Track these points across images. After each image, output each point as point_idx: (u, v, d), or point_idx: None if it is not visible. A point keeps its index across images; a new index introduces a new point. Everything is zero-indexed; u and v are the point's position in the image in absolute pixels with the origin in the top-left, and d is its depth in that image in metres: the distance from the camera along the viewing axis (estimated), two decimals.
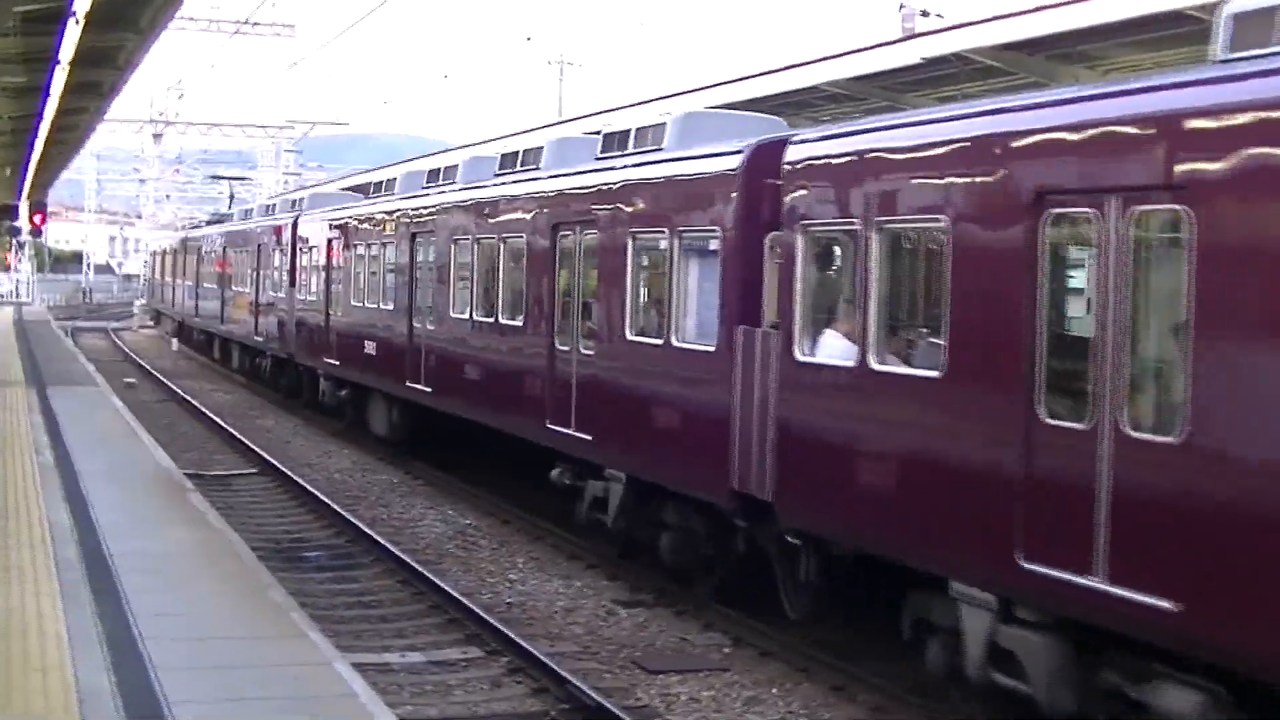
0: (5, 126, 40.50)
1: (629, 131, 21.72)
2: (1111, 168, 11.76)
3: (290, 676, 12.64)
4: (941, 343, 13.65)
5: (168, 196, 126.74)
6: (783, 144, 16.59)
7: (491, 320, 25.29)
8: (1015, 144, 12.93)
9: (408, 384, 29.41)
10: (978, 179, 13.25)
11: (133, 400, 40.33)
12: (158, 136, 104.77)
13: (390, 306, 31.42)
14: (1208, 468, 10.59)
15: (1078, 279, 12.76)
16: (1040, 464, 12.23)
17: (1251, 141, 10.50)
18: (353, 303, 34.55)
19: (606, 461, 20.48)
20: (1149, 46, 24.74)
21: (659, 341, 19.13)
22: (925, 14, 42.66)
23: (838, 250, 16.15)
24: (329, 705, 11.93)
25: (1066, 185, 12.23)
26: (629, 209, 20.08)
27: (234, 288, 52.34)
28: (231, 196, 76.16)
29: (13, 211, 69.86)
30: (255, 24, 73.35)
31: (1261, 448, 10.25)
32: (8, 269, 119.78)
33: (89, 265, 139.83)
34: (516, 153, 26.35)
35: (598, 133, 24.25)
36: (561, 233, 22.38)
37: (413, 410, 30.44)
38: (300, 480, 28.27)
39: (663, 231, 19.19)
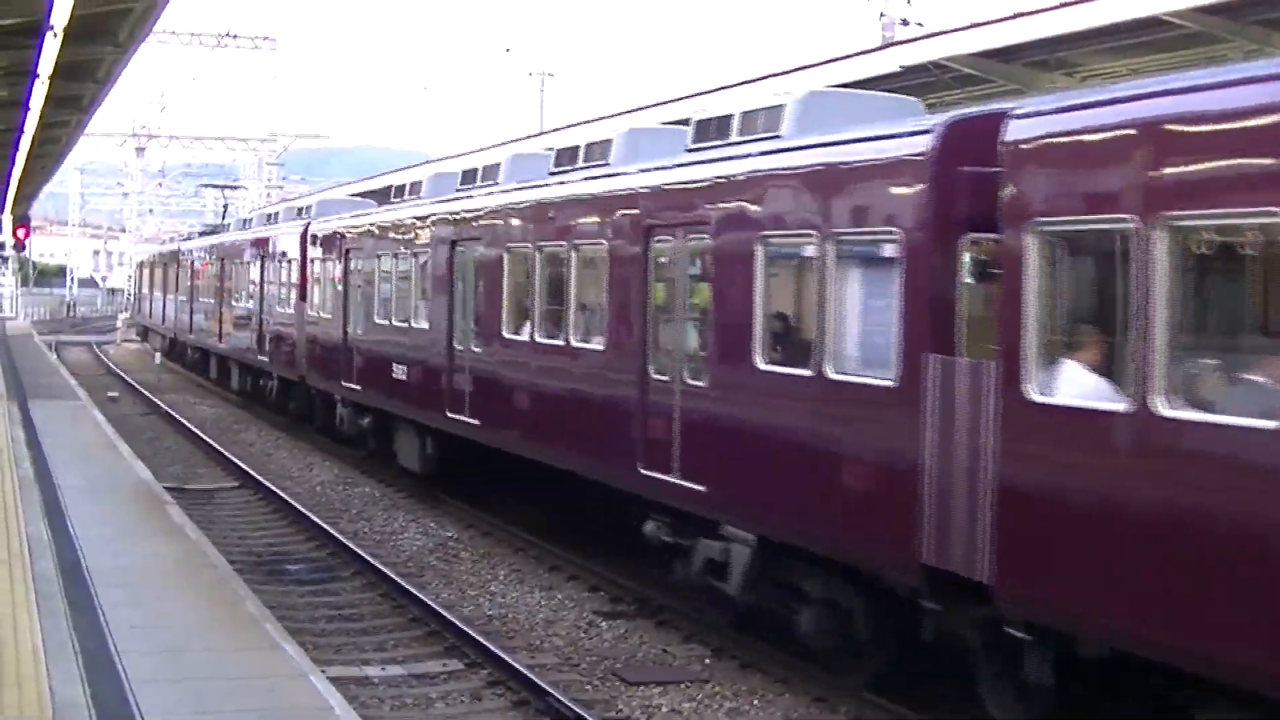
0: None
1: (730, 117, 18.39)
2: None
3: (265, 689, 12.60)
4: None
5: (151, 210, 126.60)
6: (995, 119, 13.11)
7: (559, 342, 21.53)
8: None
9: (447, 414, 25.59)
10: None
11: (115, 414, 40.27)
12: (141, 150, 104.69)
13: (424, 325, 27.58)
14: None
15: None
16: None
17: None
18: (377, 320, 30.72)
19: (726, 518, 16.93)
20: (1126, 53, 24.78)
21: (806, 373, 15.28)
22: (905, 22, 42.76)
23: (1089, 256, 12.81)
24: (304, 717, 11.90)
25: None
26: (756, 207, 16.46)
27: (233, 303, 48.21)
28: (225, 206, 72.34)
29: None
30: (236, 36, 73.34)
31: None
32: None
33: (73, 279, 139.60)
34: (575, 148, 23.00)
35: (678, 122, 22.81)
36: (657, 238, 18.71)
37: (451, 443, 26.67)
38: (282, 493, 28.20)
39: (809, 235, 15.44)
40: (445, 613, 18.76)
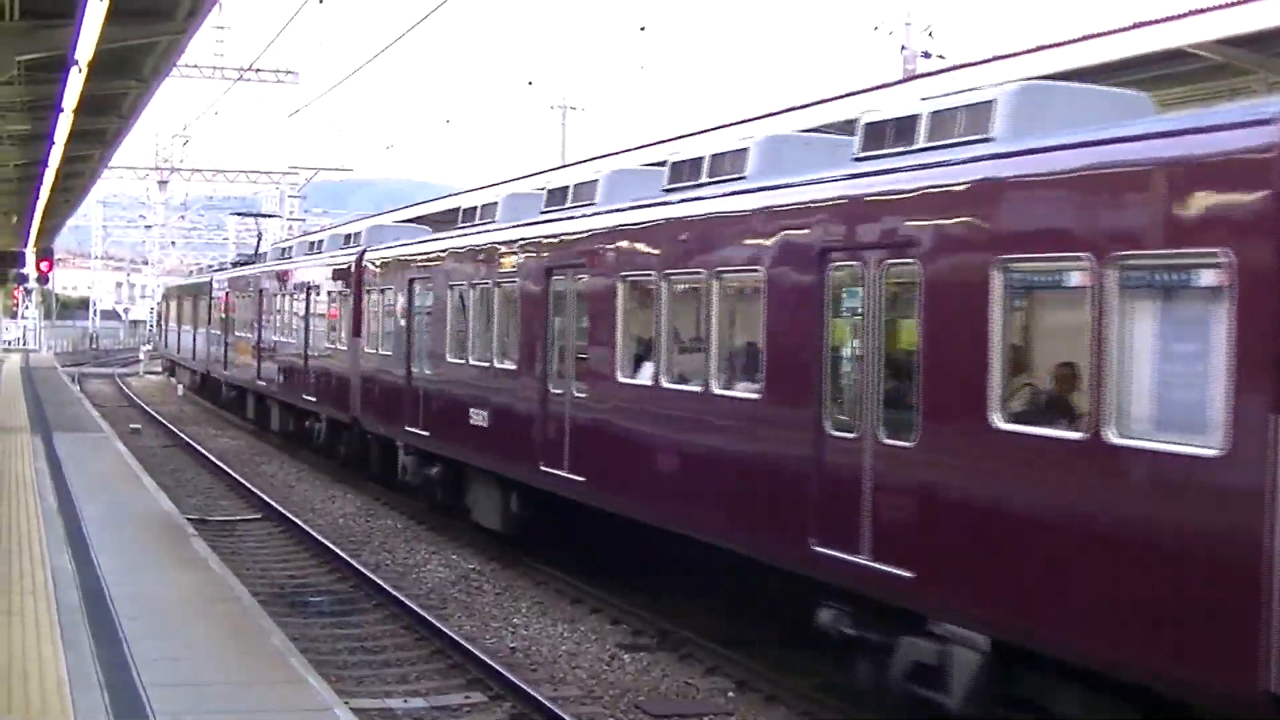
0: (11, 174, 40.70)
1: (916, 118, 15.34)
2: None
3: None
4: None
5: (173, 243, 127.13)
6: None
7: (695, 389, 18.20)
8: None
9: (540, 468, 22.47)
10: None
11: (137, 446, 40.38)
12: (163, 183, 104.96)
13: (509, 364, 24.35)
14: None
15: None
16: None
17: None
18: (449, 358, 27.32)
19: (942, 612, 13.83)
20: (1146, 86, 24.75)
21: (1072, 436, 12.27)
22: (927, 55, 42.78)
23: None
24: None
25: None
26: (991, 223, 13.43)
27: (274, 337, 44.81)
28: (259, 236, 68.30)
29: (19, 258, 70.03)
30: (259, 70, 73.52)
31: None
32: (15, 316, 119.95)
33: (95, 311, 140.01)
34: (697, 160, 19.62)
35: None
36: (835, 263, 15.38)
37: (542, 501, 23.47)
38: (304, 525, 28.23)
39: (1077, 258, 12.30)
40: (468, 645, 18.76)
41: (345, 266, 36.07)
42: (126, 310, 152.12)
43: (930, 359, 13.90)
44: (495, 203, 27.55)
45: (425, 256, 29.74)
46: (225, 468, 37.66)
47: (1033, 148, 13.26)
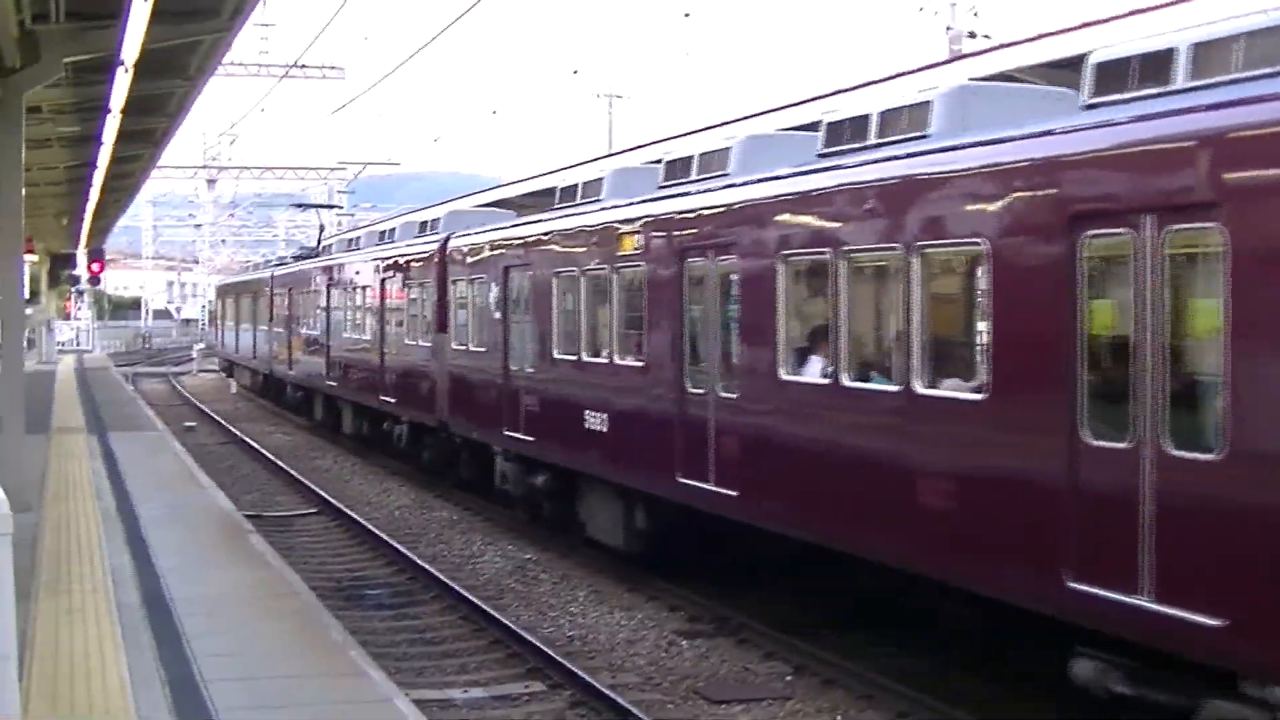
0: (60, 176, 40.90)
1: (1171, 52, 12.63)
2: None
3: (351, 714, 12.64)
4: None
5: (223, 241, 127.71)
6: None
7: (891, 388, 15.31)
8: None
9: (678, 479, 19.75)
10: None
11: (193, 444, 40.56)
12: (211, 182, 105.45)
13: (633, 361, 21.61)
14: None
15: None
16: None
17: None
18: (555, 354, 24.52)
19: (1270, 672, 10.99)
20: None
21: None
22: (972, 35, 42.57)
23: None
24: None
25: None
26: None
27: (343, 334, 42.12)
28: (321, 228, 63.57)
29: (71, 260, 70.46)
30: (304, 66, 73.71)
31: None
32: (68, 317, 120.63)
33: (148, 311, 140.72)
34: (861, 119, 17.04)
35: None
36: (1092, 231, 12.54)
37: (674, 515, 20.99)
38: (360, 519, 28.32)
39: None
40: (526, 634, 18.79)
41: (426, 256, 33.18)
42: (178, 309, 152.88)
43: (1244, 349, 11.01)
44: (600, 179, 25.00)
45: (524, 241, 26.54)
46: (281, 464, 37.79)
47: None
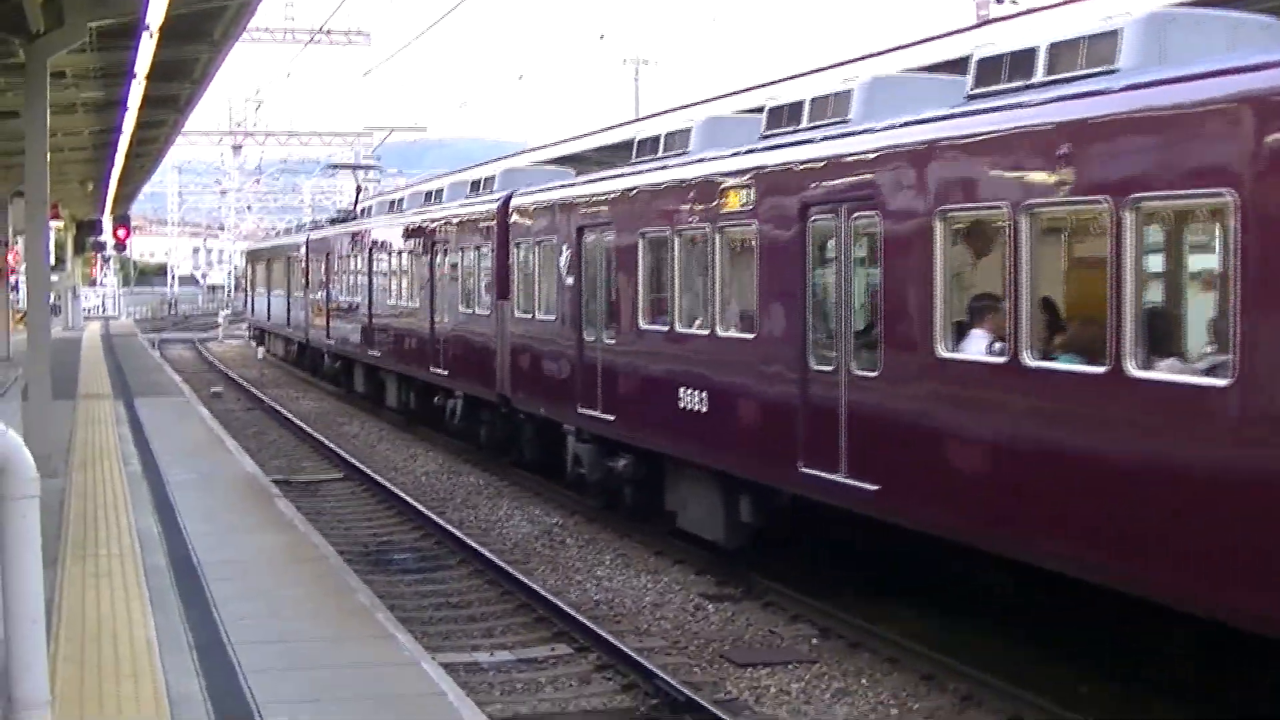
0: (86, 142, 40.99)
1: None
2: None
3: (378, 676, 12.66)
4: None
5: (249, 207, 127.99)
6: None
7: (1098, 369, 12.70)
8: None
9: (802, 469, 17.19)
10: None
11: (219, 409, 40.69)
12: (237, 148, 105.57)
13: (739, 333, 19.16)
14: None
15: None
16: None
17: None
18: (642, 324, 22.01)
19: None
20: None
21: None
22: (1000, 0, 42.41)
23: None
24: (417, 704, 11.95)
25: None
26: None
27: (388, 301, 39.70)
28: (358, 190, 60.20)
29: (97, 226, 70.64)
30: (330, 32, 73.68)
31: None
32: (94, 284, 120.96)
33: (174, 277, 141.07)
34: (1027, 53, 14.78)
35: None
36: None
37: (788, 506, 18.85)
38: (387, 484, 28.35)
39: None
40: (553, 598, 18.80)
41: (485, 216, 30.62)
42: (204, 275, 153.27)
43: None
44: (687, 129, 22.57)
45: (603, 198, 23.91)
46: (308, 429, 37.84)
47: None
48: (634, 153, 24.08)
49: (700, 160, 20.80)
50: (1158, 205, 12.47)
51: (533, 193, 28.12)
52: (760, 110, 20.62)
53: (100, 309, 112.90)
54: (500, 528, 24.86)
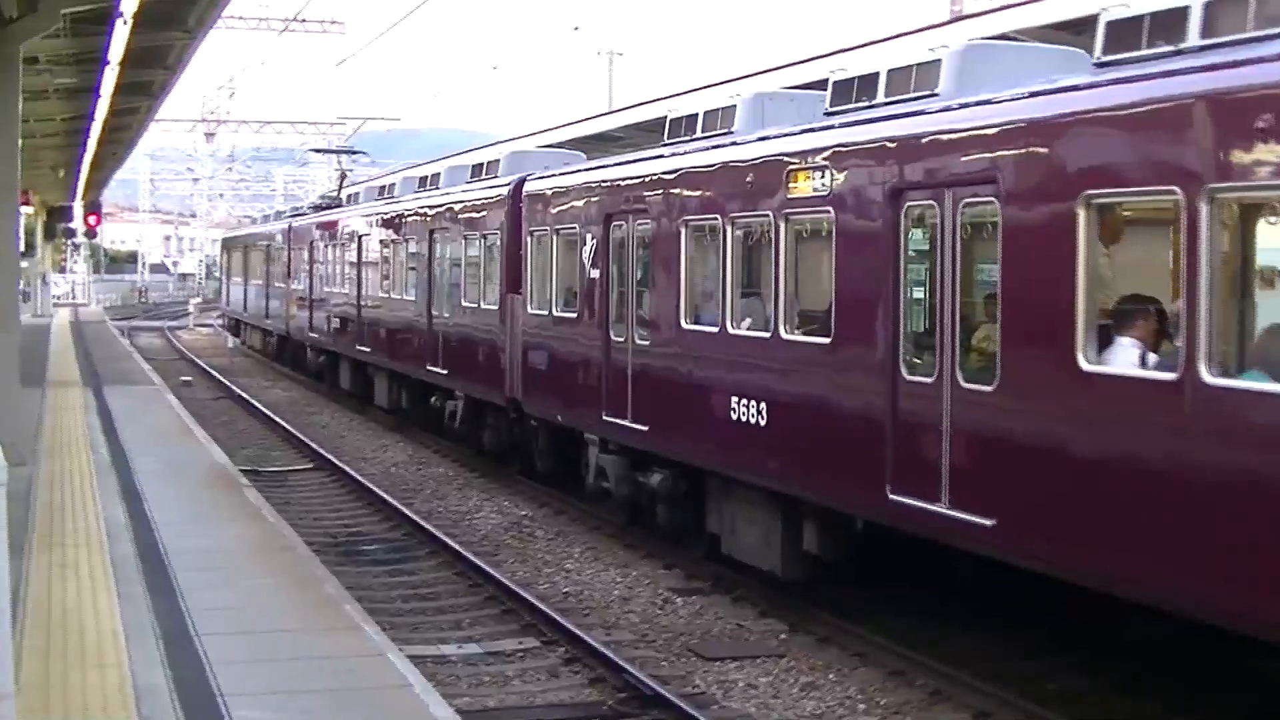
0: (58, 128, 40.87)
1: None
2: None
3: (345, 668, 12.63)
4: None
5: (221, 195, 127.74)
6: None
7: None
8: None
9: (891, 495, 14.81)
10: None
11: (189, 398, 40.53)
12: (210, 135, 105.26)
13: (808, 337, 16.82)
14: None
15: None
16: None
17: None
18: (685, 324, 19.53)
19: None
20: None
21: None
22: None
23: None
24: (384, 696, 11.93)
25: None
26: None
27: (380, 293, 37.17)
28: (342, 176, 57.78)
29: (67, 213, 70.40)
30: (304, 20, 73.58)
31: None
32: (63, 270, 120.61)
33: (144, 265, 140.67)
34: (1180, 8, 12.30)
35: None
36: None
37: (861, 534, 16.63)
38: (356, 474, 28.30)
39: None
40: (521, 591, 18.78)
41: (492, 202, 28.30)
42: (175, 263, 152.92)
43: None
44: (730, 107, 20.03)
45: (635, 183, 21.49)
46: (277, 419, 37.75)
47: None
48: (666, 133, 21.62)
49: (761, 139, 18.18)
50: None
51: (550, 176, 25.71)
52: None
53: (70, 296, 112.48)
54: (469, 519, 24.83)
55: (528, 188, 26.17)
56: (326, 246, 44.77)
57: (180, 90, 49.17)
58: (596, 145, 39.02)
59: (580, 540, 22.81)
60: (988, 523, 13.44)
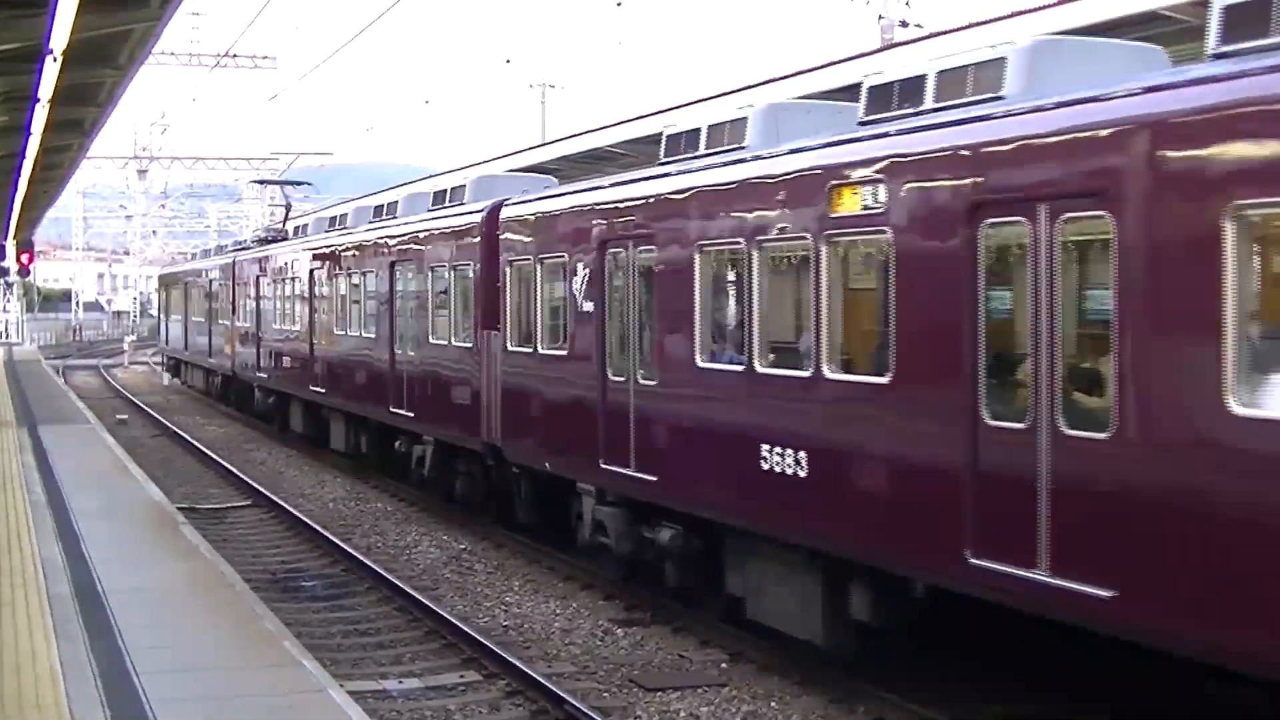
0: None
1: None
2: None
3: (285, 705, 12.59)
4: None
5: (154, 232, 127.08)
6: None
7: None
8: None
9: (970, 559, 12.88)
10: None
11: (125, 436, 40.34)
12: (143, 172, 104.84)
13: (873, 376, 14.44)
14: None
15: None
16: None
17: None
18: (701, 362, 17.45)
19: None
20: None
21: None
22: (904, 24, 42.72)
23: None
24: None
25: None
26: None
27: (335, 330, 34.83)
28: (287, 208, 54.93)
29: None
30: (235, 56, 73.40)
31: None
32: None
33: (78, 303, 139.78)
34: None
35: None
36: None
37: (920, 602, 14.70)
38: (294, 511, 28.20)
39: None
40: (461, 624, 18.76)
41: (463, 231, 26.17)
42: (109, 301, 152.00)
43: None
44: (742, 119, 18.11)
45: (635, 205, 19.35)
46: (214, 456, 37.58)
47: None
48: (663, 149, 19.68)
49: (794, 151, 15.97)
50: None
51: (531, 200, 23.24)
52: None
53: (3, 335, 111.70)
54: (408, 553, 24.78)
55: (505, 213, 23.97)
56: (275, 281, 42.28)
57: (112, 127, 49.05)
58: (570, 167, 38.37)
59: (520, 572, 22.79)
60: (1105, 594, 11.42)
